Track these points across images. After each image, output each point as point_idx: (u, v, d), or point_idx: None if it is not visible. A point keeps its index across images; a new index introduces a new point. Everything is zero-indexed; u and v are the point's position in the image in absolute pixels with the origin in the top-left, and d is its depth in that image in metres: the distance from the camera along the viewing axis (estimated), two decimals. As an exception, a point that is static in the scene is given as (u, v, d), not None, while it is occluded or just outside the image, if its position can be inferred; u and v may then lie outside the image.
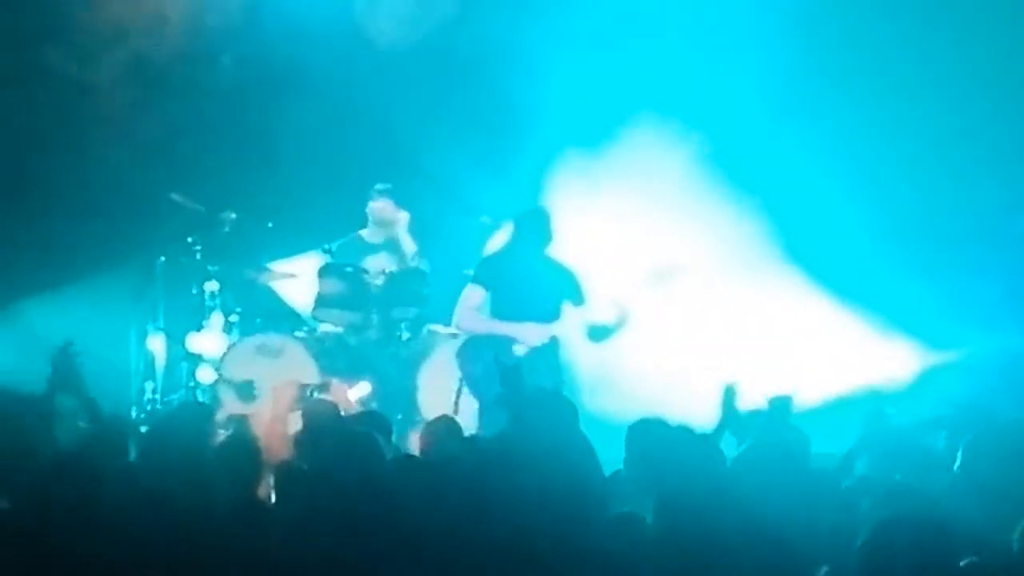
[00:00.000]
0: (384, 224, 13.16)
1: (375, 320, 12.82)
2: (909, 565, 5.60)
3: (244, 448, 7.52)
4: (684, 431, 7.51)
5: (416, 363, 12.68)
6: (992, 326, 12.89)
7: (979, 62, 13.26)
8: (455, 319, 11.88)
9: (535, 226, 11.64)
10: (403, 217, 13.24)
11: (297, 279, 13.43)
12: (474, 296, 11.60)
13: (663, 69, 13.62)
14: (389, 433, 8.37)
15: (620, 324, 11.46)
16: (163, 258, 13.50)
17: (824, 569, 6.16)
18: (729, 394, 8.52)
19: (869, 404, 8.75)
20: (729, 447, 8.15)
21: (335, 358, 12.67)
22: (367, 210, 13.18)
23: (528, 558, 6.37)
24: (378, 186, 13.20)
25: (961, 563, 5.87)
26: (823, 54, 13.54)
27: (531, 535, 6.43)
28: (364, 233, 13.22)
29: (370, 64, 13.88)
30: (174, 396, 13.37)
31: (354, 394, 11.81)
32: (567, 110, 13.47)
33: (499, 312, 11.55)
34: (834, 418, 11.59)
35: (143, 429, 12.46)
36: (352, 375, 12.29)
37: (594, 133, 13.60)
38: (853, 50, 13.56)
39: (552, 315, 11.57)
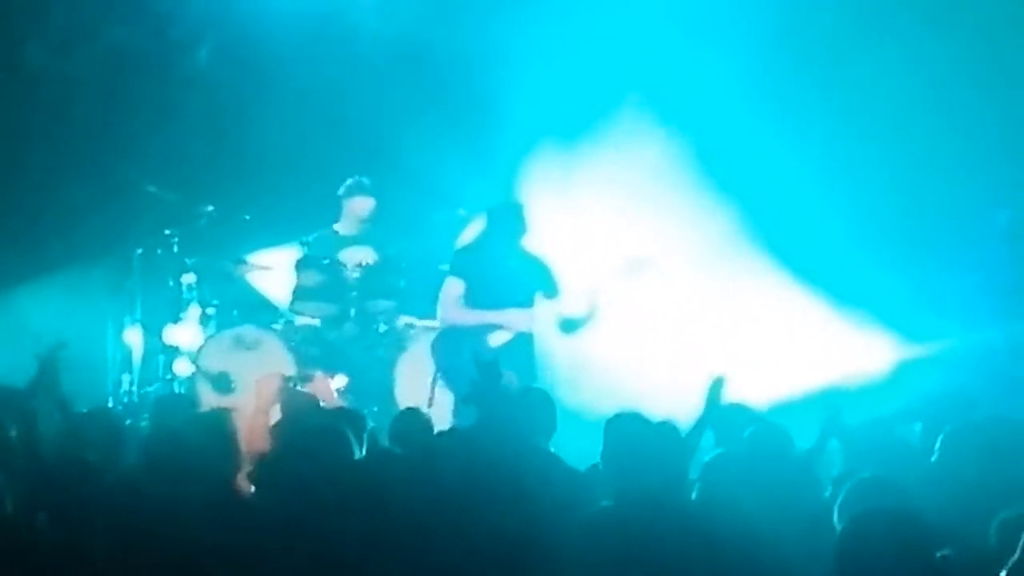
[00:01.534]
0: (360, 216, 13.14)
1: (352, 313, 12.82)
2: (885, 557, 5.61)
3: (221, 440, 7.50)
4: (661, 426, 7.52)
5: (393, 355, 12.70)
6: (969, 320, 12.91)
7: (958, 57, 13.27)
8: (440, 313, 11.81)
9: (508, 218, 11.63)
10: (378, 210, 13.22)
11: (274, 271, 13.42)
12: (455, 289, 11.57)
13: (640, 61, 13.61)
14: (363, 427, 8.35)
15: (591, 316, 11.46)
16: (140, 250, 13.47)
17: (801, 562, 6.18)
18: (714, 390, 8.50)
19: (827, 401, 8.74)
20: (709, 443, 8.17)
21: (312, 350, 12.67)
22: (344, 203, 13.15)
23: (498, 552, 6.38)
24: (355, 179, 13.17)
25: (937, 555, 5.88)
26: (800, 47, 13.53)
27: (498, 528, 6.44)
28: (340, 226, 13.19)
29: (347, 57, 13.87)
30: (151, 388, 13.34)
31: (335, 386, 11.81)
32: (543, 103, 13.46)
33: (473, 304, 11.53)
34: (810, 412, 11.59)
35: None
36: (329, 367, 12.28)
37: (570, 126, 13.60)
38: (830, 43, 13.55)
39: (525, 307, 11.55)
